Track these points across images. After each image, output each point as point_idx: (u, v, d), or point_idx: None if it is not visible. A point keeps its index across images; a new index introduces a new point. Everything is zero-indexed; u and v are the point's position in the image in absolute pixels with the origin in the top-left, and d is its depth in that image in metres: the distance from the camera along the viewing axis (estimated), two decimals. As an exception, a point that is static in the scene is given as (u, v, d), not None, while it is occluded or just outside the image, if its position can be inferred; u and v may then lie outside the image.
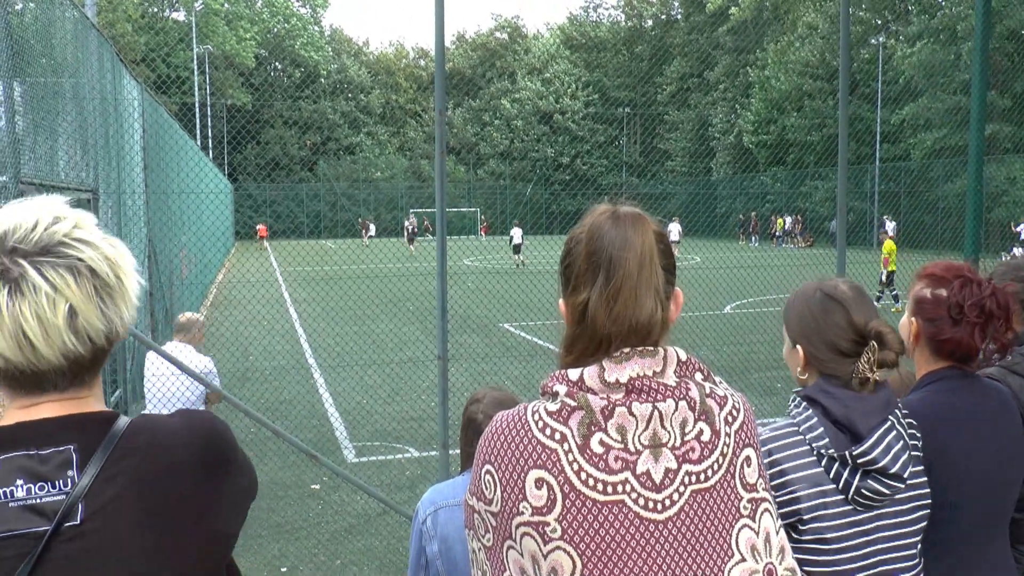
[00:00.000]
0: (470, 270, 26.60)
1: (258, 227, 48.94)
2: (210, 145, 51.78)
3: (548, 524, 1.33)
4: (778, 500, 1.91)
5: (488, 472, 1.40)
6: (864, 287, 2.09)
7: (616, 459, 1.35)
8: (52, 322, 1.25)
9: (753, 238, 45.58)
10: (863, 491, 1.90)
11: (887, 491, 1.90)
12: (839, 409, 1.93)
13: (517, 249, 32.31)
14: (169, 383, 5.91)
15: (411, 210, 55.41)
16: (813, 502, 1.90)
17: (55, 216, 1.31)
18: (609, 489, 1.34)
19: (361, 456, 8.36)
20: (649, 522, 1.34)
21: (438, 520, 2.47)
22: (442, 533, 2.45)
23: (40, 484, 1.24)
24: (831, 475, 1.92)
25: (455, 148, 65.81)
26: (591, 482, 1.34)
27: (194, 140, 26.95)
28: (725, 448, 1.41)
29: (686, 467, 1.38)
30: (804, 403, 1.99)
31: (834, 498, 1.92)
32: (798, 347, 2.04)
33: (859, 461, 1.89)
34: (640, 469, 1.35)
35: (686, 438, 1.38)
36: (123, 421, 1.32)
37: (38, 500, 1.23)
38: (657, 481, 1.36)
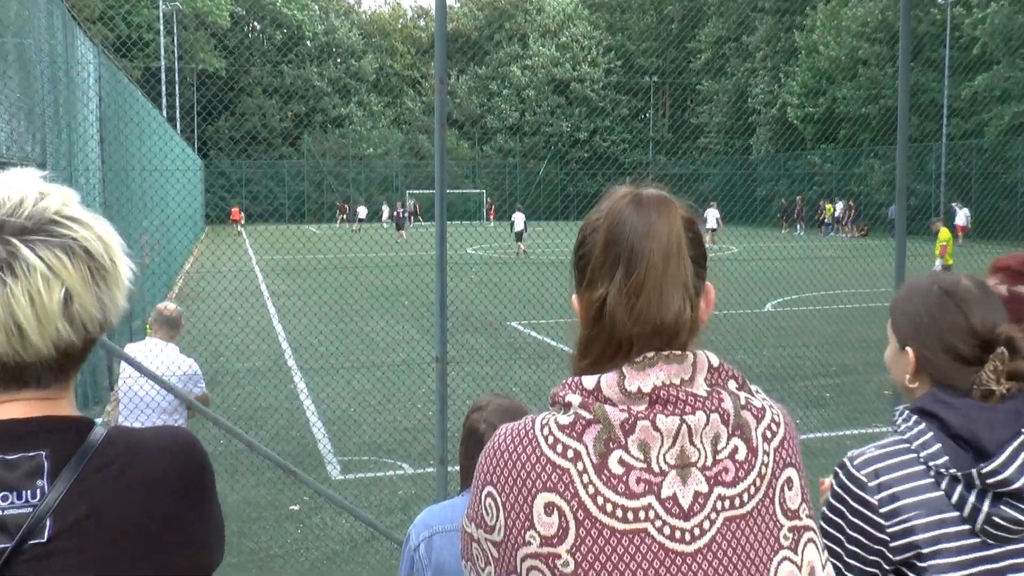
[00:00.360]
0: (474, 260, 26.63)
1: (232, 209, 49.13)
2: (178, 116, 51.93)
3: (559, 556, 1.32)
4: (890, 531, 1.84)
5: (489, 495, 1.39)
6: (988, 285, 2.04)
7: (638, 481, 1.34)
8: (47, 307, 1.26)
9: (798, 226, 45.53)
10: (994, 519, 1.80)
11: None
12: (960, 421, 1.85)
13: (520, 236, 32.58)
14: (147, 386, 5.80)
15: (408, 191, 55.53)
16: (933, 533, 1.82)
17: (40, 192, 1.32)
18: (630, 516, 1.33)
19: (347, 473, 8.37)
20: (676, 554, 1.33)
21: (432, 547, 2.47)
22: (437, 562, 2.45)
23: (3, 494, 1.23)
24: (953, 500, 1.83)
25: (458, 121, 65.86)
26: (609, 508, 1.32)
27: (159, 110, 27.00)
28: (763, 468, 1.40)
29: (718, 490, 1.36)
30: (915, 416, 1.91)
31: (957, 528, 1.82)
32: (908, 350, 1.98)
33: (988, 482, 1.79)
34: (666, 493, 1.34)
35: (718, 457, 1.37)
36: (100, 430, 1.32)
37: (0, 512, 1.22)
38: (685, 507, 1.34)
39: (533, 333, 15.57)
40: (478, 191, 59.42)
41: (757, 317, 16.03)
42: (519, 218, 33.17)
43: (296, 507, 7.45)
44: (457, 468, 2.83)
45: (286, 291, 21.14)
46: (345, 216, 51.63)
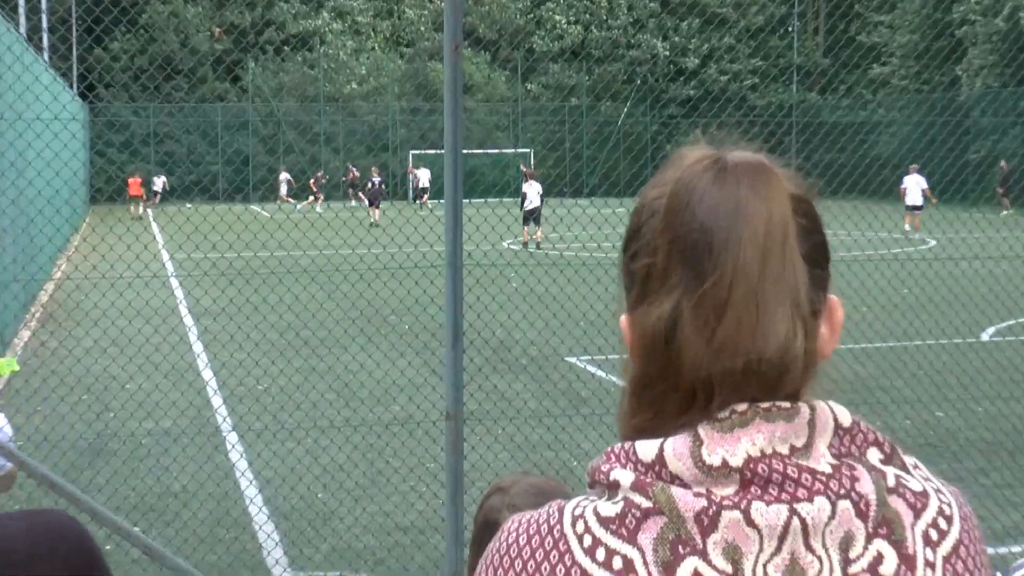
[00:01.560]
0: (509, 259, 26.64)
1: (131, 180, 49.40)
2: (45, 35, 52.40)
3: None
4: None
5: (494, 621, 1.42)
6: None
7: (723, 606, 1.35)
8: None
9: (1036, 206, 45.17)
10: None
11: None
12: None
13: (529, 218, 32.46)
14: None
15: (412, 152, 55.69)
16: None
17: None
18: (708, 662, 1.34)
19: (308, 595, 8.44)
20: None
21: None
22: None
23: None
24: None
25: (486, 41, 65.89)
26: (677, 648, 1.34)
27: (15, 28, 27.28)
28: (925, 588, 1.41)
29: (852, 622, 1.38)
30: None
31: None
32: None
33: None
34: (766, 625, 1.36)
35: (852, 569, 1.38)
36: None
37: None
38: (797, 648, 1.36)
39: (603, 374, 15.52)
40: (521, 151, 59.34)
41: (968, 351, 15.91)
42: (532, 190, 32.97)
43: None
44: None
45: (217, 309, 21.26)
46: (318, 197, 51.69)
